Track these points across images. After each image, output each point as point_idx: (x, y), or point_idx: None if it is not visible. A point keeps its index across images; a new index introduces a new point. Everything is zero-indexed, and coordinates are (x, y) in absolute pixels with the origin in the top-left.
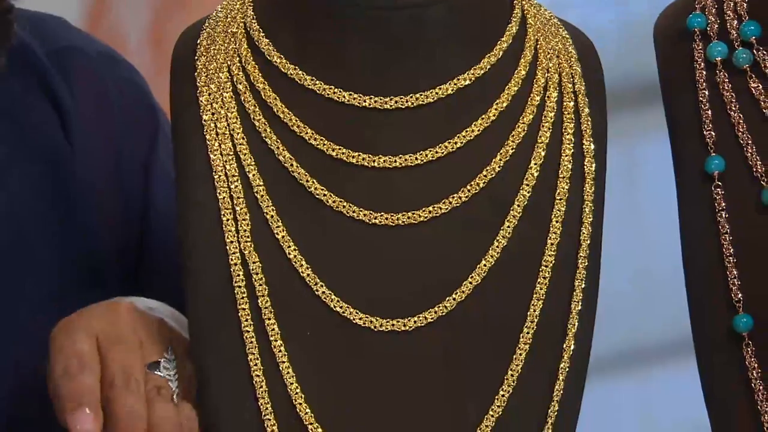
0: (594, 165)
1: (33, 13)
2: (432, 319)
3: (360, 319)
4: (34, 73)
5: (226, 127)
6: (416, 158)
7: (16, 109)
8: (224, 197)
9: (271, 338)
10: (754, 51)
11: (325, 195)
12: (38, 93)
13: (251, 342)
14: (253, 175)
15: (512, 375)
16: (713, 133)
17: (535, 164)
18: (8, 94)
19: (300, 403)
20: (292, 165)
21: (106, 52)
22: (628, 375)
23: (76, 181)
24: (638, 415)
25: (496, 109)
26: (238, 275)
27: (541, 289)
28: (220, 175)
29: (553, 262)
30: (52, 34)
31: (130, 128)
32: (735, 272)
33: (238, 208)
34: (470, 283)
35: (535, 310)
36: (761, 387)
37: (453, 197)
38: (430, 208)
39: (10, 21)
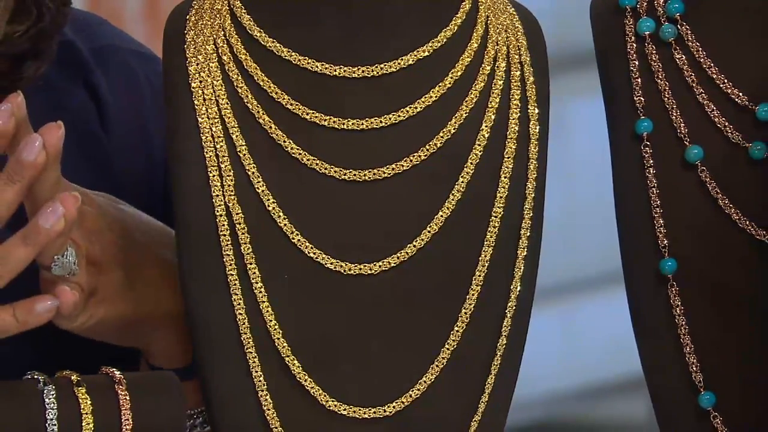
0: (538, 127)
1: (77, 13)
2: (395, 263)
3: (331, 263)
4: (76, 66)
5: (212, 93)
6: (381, 121)
7: (59, 97)
8: (210, 155)
9: (253, 281)
10: (679, 26)
11: (300, 154)
12: (79, 84)
13: (235, 284)
14: (236, 135)
15: (465, 313)
16: (642, 99)
17: (486, 126)
18: (54, 82)
19: (278, 339)
20: (270, 127)
21: (140, 50)
22: (553, 307)
23: (110, 162)
24: (562, 343)
25: (451, 78)
26: (223, 225)
27: (491, 237)
28: (206, 136)
29: (502, 213)
30: (94, 33)
31: (158, 117)
32: (661, 221)
33: (222, 166)
34: (428, 231)
35: (485, 256)
36: (684, 322)
37: (413, 156)
38: (394, 165)
39: (65, 14)
